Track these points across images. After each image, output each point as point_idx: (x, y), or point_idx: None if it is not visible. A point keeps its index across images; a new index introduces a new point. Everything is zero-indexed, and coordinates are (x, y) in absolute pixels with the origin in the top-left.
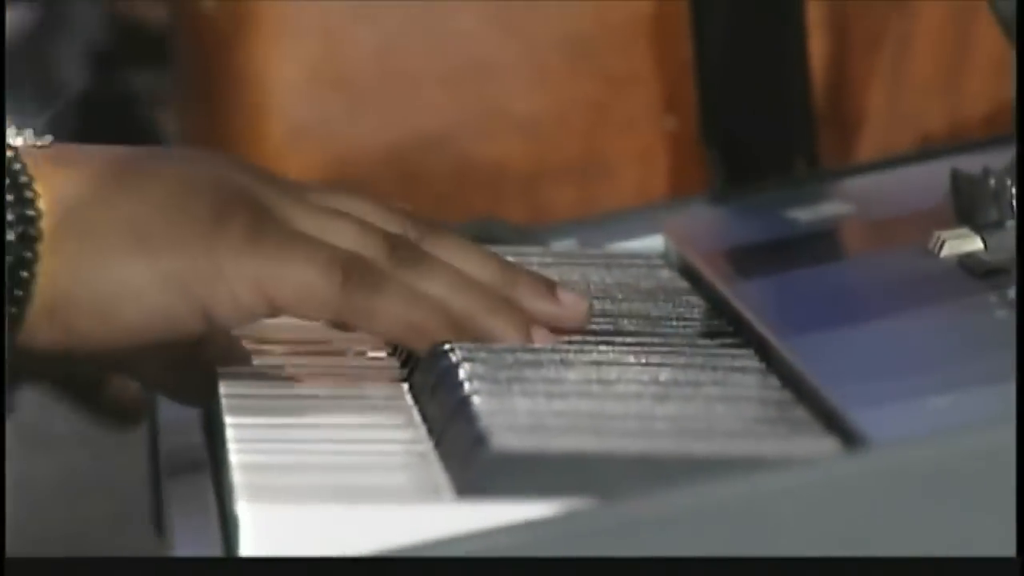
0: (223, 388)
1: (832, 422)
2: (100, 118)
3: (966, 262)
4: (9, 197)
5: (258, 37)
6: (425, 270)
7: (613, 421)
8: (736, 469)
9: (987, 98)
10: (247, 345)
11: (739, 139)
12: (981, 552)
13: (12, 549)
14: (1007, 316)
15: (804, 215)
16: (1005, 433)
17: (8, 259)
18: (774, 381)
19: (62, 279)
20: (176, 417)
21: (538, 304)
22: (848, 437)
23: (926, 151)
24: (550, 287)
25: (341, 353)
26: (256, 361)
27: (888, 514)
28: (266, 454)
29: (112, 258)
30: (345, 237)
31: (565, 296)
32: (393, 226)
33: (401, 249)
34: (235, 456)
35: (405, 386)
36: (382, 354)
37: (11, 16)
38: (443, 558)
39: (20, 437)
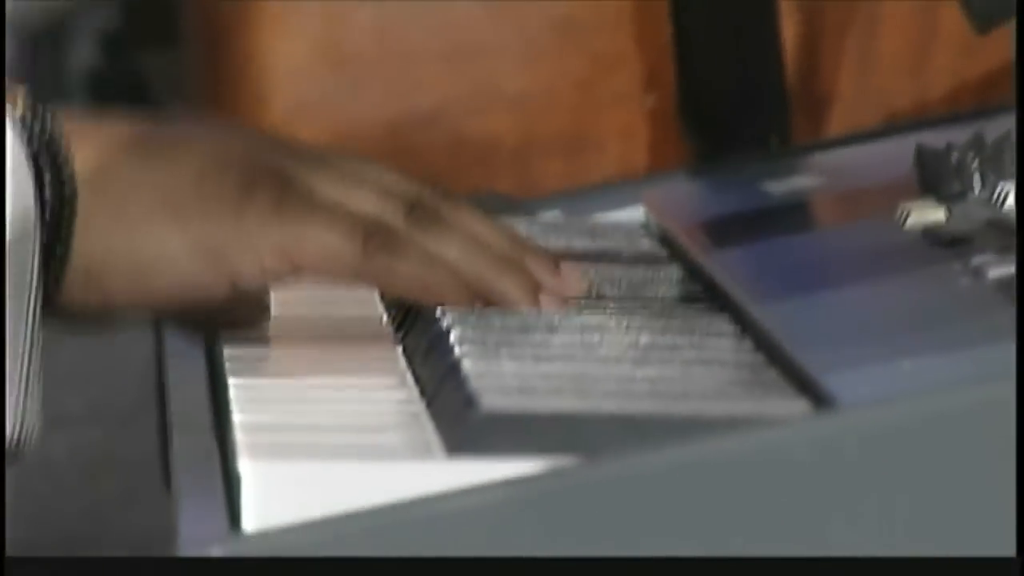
0: (227, 351)
1: (803, 385)
2: (110, 98)
3: (930, 232)
4: (44, 157)
5: (262, 18)
6: (441, 234)
7: (596, 383)
8: (711, 429)
9: (951, 77)
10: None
11: (716, 116)
12: (944, 510)
13: (28, 528)
14: (970, 284)
15: (777, 188)
16: (969, 395)
17: (46, 218)
18: (748, 345)
19: (98, 244)
20: (183, 378)
21: (543, 275)
22: (818, 399)
23: (892, 127)
24: (554, 261)
25: (338, 318)
26: (259, 326)
27: (857, 473)
28: (266, 414)
29: (146, 227)
30: (366, 203)
31: (567, 271)
32: (411, 193)
33: (419, 213)
34: (237, 416)
35: (399, 348)
36: (377, 318)
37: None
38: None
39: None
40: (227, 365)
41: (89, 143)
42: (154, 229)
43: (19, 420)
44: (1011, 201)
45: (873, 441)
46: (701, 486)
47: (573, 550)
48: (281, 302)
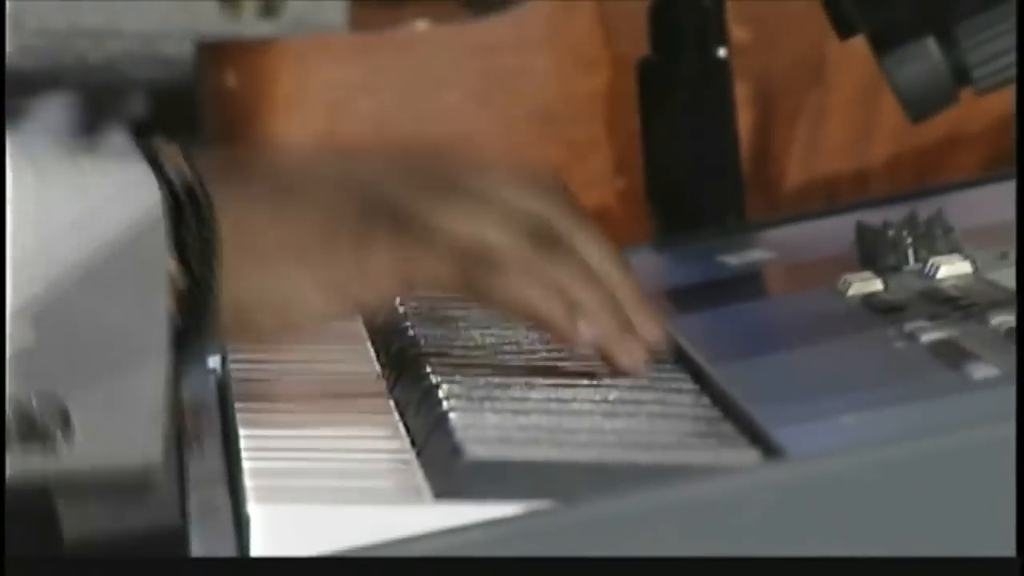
0: (238, 405)
1: (755, 436)
2: None
3: (869, 301)
4: (188, 207)
5: (272, 109)
6: (559, 263)
7: (569, 434)
8: (673, 476)
9: (888, 162)
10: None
11: (678, 197)
12: (874, 549)
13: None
14: (905, 347)
15: (733, 260)
16: (906, 449)
17: (194, 263)
18: (706, 400)
19: (241, 285)
20: (202, 428)
21: (647, 335)
22: (769, 449)
23: (835, 207)
24: (656, 315)
25: (338, 373)
26: (268, 383)
27: (803, 517)
28: (272, 461)
29: (278, 268)
30: (485, 230)
31: (658, 324)
32: (535, 216)
33: (539, 240)
34: (247, 463)
35: (391, 402)
36: (374, 374)
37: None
38: (423, 558)
39: None
40: (239, 416)
41: (225, 189)
42: (285, 270)
43: (152, 451)
44: (941, 273)
45: (818, 488)
46: (663, 528)
47: None
48: (286, 358)
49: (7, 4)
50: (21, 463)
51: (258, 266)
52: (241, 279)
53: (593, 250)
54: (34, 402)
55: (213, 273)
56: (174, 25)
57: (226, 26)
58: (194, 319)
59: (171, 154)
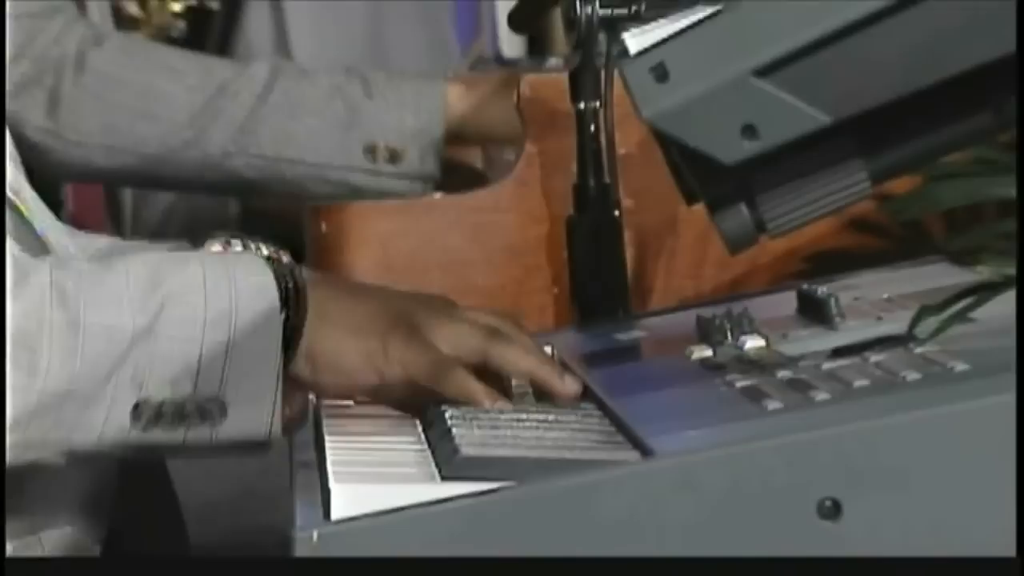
0: (325, 423)
1: (635, 442)
2: None
3: (704, 362)
4: (292, 298)
5: (348, 246)
6: (506, 348)
7: (524, 440)
8: (586, 466)
9: (715, 278)
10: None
11: (589, 299)
12: (712, 515)
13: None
14: (726, 390)
15: (623, 338)
16: (724, 452)
17: (288, 324)
18: (606, 422)
19: (315, 348)
20: (303, 437)
21: (560, 381)
22: (644, 450)
23: (683, 305)
24: (564, 372)
25: (389, 407)
26: (341, 408)
27: (664, 494)
28: (344, 454)
29: (341, 339)
30: (460, 333)
31: (571, 380)
32: (491, 324)
33: (493, 337)
34: (329, 454)
35: (418, 421)
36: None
37: None
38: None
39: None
40: (325, 426)
41: (315, 287)
42: (345, 341)
43: (273, 422)
44: (747, 346)
45: (674, 474)
46: (581, 498)
47: (512, 539)
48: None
49: None
50: (167, 438)
51: (327, 331)
52: (316, 337)
53: (524, 341)
54: (195, 400)
55: (299, 335)
56: (329, 172)
57: (368, 180)
58: (288, 357)
59: (283, 259)
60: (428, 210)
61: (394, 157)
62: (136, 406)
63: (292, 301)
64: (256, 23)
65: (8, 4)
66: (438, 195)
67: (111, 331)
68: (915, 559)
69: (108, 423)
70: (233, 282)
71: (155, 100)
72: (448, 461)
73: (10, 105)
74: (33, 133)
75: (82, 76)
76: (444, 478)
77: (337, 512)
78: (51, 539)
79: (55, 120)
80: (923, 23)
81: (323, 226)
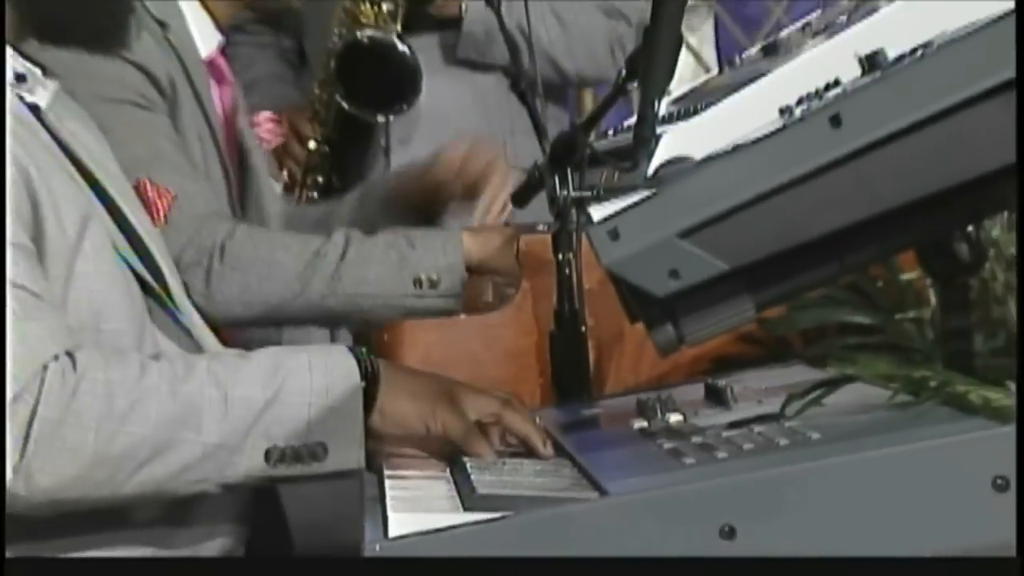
0: (386, 470)
1: (595, 486)
2: None
3: (642, 431)
4: (370, 374)
5: (402, 349)
6: (510, 414)
7: (520, 484)
8: (560, 501)
9: (649, 371)
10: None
11: (564, 388)
12: (665, 547)
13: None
14: (656, 450)
15: (586, 412)
16: (652, 495)
17: (366, 392)
18: (575, 470)
19: (386, 406)
20: (370, 479)
21: (542, 448)
22: (602, 492)
23: (628, 391)
24: (548, 440)
25: (425, 456)
26: (401, 460)
27: (616, 526)
28: (399, 491)
29: (403, 401)
30: (482, 407)
31: (549, 449)
32: (505, 403)
33: (504, 407)
34: (388, 492)
35: (447, 468)
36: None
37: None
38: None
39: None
40: (385, 473)
41: (386, 367)
42: (406, 402)
43: (359, 458)
44: (671, 420)
45: (624, 510)
46: (555, 526)
47: (512, 550)
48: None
49: None
50: (289, 472)
51: (394, 396)
52: (386, 400)
53: (523, 412)
54: (307, 445)
55: (373, 400)
56: (391, 300)
57: (416, 303)
58: (367, 414)
59: (362, 350)
60: (455, 325)
61: (433, 284)
62: (267, 451)
63: (369, 376)
64: None
65: (185, 203)
66: (463, 316)
67: (249, 401)
68: (915, 559)
69: (249, 464)
70: (329, 365)
71: (273, 267)
72: (468, 497)
73: (181, 277)
74: (195, 298)
75: (223, 258)
76: (466, 509)
77: (393, 532)
78: (212, 548)
79: (208, 288)
80: (790, 207)
81: (385, 336)
